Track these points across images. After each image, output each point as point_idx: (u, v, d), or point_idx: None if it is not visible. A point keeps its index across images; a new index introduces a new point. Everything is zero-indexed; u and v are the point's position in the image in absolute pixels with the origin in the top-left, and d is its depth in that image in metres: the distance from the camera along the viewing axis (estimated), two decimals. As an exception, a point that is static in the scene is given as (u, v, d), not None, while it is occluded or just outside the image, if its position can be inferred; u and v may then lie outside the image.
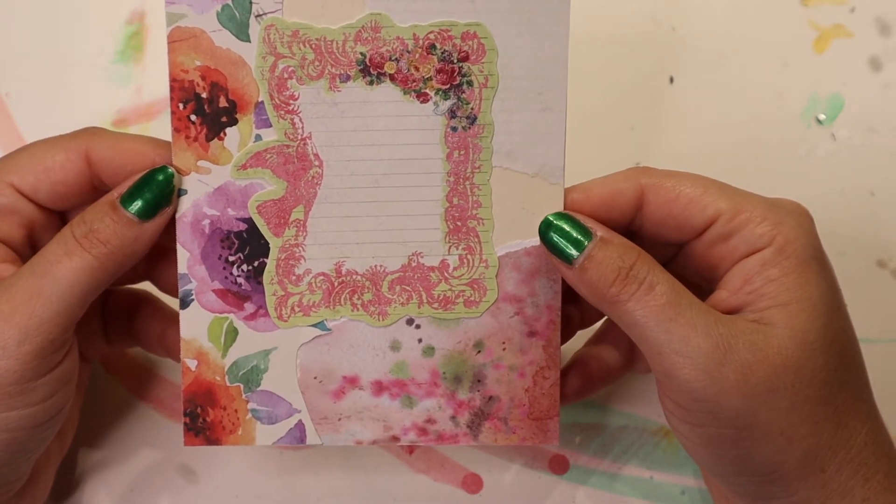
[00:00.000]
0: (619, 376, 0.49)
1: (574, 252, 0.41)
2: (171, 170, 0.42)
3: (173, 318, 0.47)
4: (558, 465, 0.53)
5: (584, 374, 0.48)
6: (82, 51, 0.57)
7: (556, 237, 0.42)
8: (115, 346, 0.50)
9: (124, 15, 0.57)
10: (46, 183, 0.43)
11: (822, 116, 0.56)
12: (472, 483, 0.53)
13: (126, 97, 0.56)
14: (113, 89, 0.56)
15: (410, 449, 0.53)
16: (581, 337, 0.49)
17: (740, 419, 0.39)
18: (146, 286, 0.49)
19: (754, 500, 0.42)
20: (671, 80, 0.57)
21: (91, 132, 0.44)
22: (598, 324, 0.49)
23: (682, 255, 0.44)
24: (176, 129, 0.42)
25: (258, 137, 0.42)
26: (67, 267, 0.40)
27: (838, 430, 0.40)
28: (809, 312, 0.40)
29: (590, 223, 0.42)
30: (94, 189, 0.44)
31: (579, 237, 0.41)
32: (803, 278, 0.40)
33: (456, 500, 0.52)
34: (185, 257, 0.43)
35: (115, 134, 0.44)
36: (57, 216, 0.45)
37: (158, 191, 0.42)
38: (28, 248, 0.44)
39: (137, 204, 0.41)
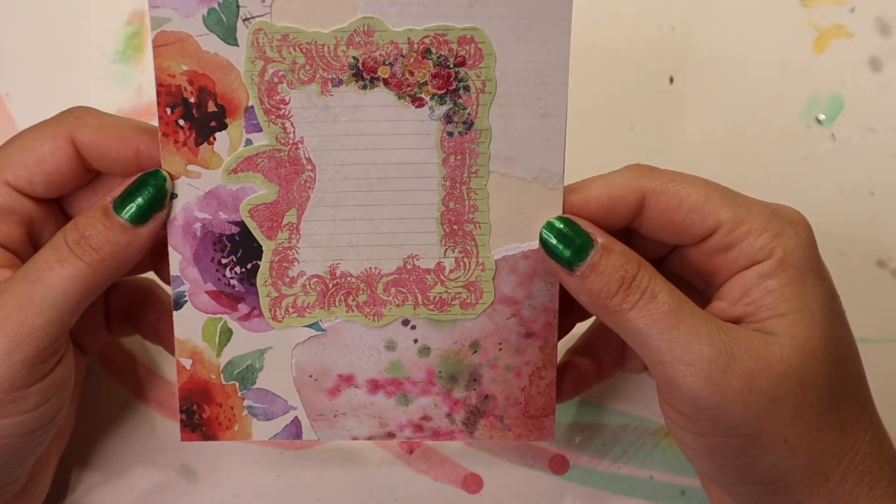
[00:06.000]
0: (611, 375, 0.49)
1: (576, 259, 0.41)
2: (163, 174, 0.42)
3: (168, 308, 0.47)
4: (558, 465, 0.53)
5: (576, 372, 0.48)
6: (82, 51, 0.57)
7: (556, 243, 0.41)
8: (115, 334, 0.50)
9: (124, 15, 0.57)
10: (40, 175, 0.43)
11: (821, 116, 0.56)
12: (472, 483, 0.53)
13: (126, 97, 0.57)
14: (113, 89, 0.57)
15: (411, 449, 0.53)
16: (578, 329, 0.49)
17: (744, 427, 0.39)
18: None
19: None
20: (671, 80, 0.57)
21: (76, 115, 0.44)
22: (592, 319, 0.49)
23: (678, 256, 0.44)
24: (164, 134, 0.42)
25: (248, 142, 0.42)
26: (59, 274, 0.40)
27: (842, 438, 0.40)
28: (808, 322, 0.39)
29: (591, 229, 0.41)
30: (88, 172, 0.44)
31: (581, 244, 0.41)
32: (801, 289, 0.40)
33: (456, 499, 0.52)
34: (177, 260, 0.43)
35: (99, 116, 0.43)
36: (55, 207, 0.45)
37: (151, 196, 0.41)
38: (28, 245, 0.44)
39: (130, 209, 0.41)
